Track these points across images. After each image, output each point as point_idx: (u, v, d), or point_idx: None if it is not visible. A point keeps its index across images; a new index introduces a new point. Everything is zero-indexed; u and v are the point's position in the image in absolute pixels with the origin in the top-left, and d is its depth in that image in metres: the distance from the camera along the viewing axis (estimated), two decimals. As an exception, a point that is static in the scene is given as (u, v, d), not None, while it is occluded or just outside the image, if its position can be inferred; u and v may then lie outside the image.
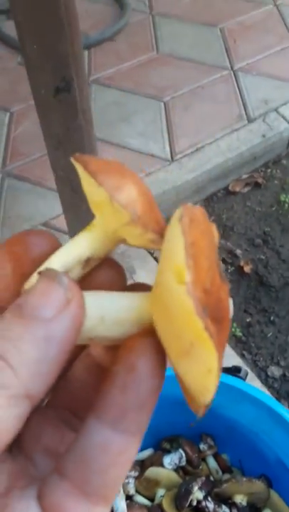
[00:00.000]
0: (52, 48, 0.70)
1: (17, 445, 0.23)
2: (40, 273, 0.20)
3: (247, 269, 1.26)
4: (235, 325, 1.18)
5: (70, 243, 0.22)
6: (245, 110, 1.49)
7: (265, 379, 1.11)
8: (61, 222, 1.17)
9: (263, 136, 1.43)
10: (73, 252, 0.22)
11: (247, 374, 0.72)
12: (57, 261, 0.21)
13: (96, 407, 0.20)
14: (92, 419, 0.20)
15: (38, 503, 0.20)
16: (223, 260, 1.28)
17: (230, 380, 0.67)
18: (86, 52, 1.65)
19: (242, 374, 0.71)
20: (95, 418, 0.20)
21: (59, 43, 0.70)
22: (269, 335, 1.17)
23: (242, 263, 1.27)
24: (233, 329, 1.17)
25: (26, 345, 0.18)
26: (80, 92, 0.77)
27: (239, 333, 1.16)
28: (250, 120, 1.47)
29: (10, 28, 1.73)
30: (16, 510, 0.20)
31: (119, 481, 0.20)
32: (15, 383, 0.17)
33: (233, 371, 0.71)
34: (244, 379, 0.70)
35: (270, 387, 1.09)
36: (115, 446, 0.19)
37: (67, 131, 0.79)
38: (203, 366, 0.19)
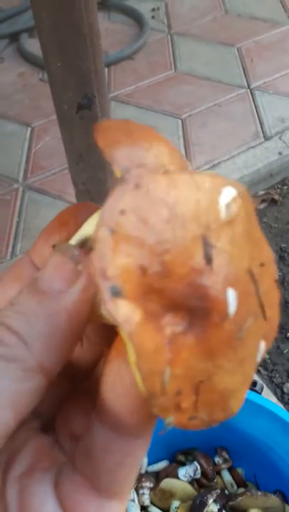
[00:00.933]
0: (75, 66, 0.73)
1: (50, 426, 0.23)
2: (53, 247, 0.20)
3: (263, 284, 1.26)
4: (250, 340, 1.17)
5: (96, 215, 0.20)
6: (261, 128, 1.51)
7: (281, 395, 1.10)
8: (79, 236, 1.19)
9: (280, 153, 1.44)
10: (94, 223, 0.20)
11: (262, 388, 0.73)
12: (78, 234, 0.20)
13: (98, 409, 0.19)
14: (95, 420, 0.19)
15: (53, 490, 0.20)
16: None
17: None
18: (106, 70, 1.69)
19: (257, 388, 0.71)
20: (98, 420, 0.19)
21: (82, 60, 0.72)
22: (285, 351, 1.16)
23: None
24: (249, 344, 1.17)
25: (39, 320, 0.18)
26: (102, 109, 0.79)
27: (254, 349, 1.16)
28: (266, 138, 1.48)
29: (32, 46, 1.78)
30: (34, 494, 0.20)
31: (130, 478, 0.20)
32: (28, 357, 0.18)
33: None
34: (260, 393, 0.70)
35: (286, 403, 1.08)
36: (118, 448, 0.19)
37: (88, 146, 0.82)
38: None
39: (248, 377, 0.19)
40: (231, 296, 0.17)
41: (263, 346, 0.19)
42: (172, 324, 0.17)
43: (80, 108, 0.78)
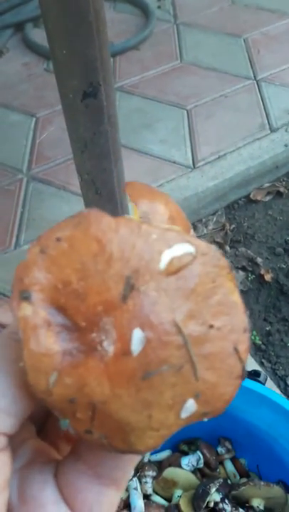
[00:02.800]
0: (80, 53, 0.72)
1: (42, 433, 0.24)
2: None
3: (267, 277, 1.26)
4: (255, 333, 1.17)
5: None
6: (267, 120, 1.50)
7: (285, 388, 1.10)
8: (83, 226, 1.19)
9: (286, 145, 1.43)
10: None
11: (266, 378, 0.72)
12: None
13: None
14: None
15: (53, 479, 0.21)
16: (244, 268, 1.28)
17: (250, 383, 0.67)
18: (111, 60, 1.68)
19: (261, 378, 0.71)
20: None
21: (88, 48, 0.72)
22: None
23: (262, 271, 1.27)
24: (253, 337, 1.17)
25: None
26: (107, 98, 0.78)
27: (258, 342, 1.16)
28: (272, 130, 1.47)
29: (37, 36, 1.77)
30: (34, 482, 0.21)
31: (130, 466, 0.22)
32: None
33: (253, 375, 0.71)
34: (263, 383, 0.70)
35: None
36: None
37: (93, 135, 0.81)
38: None
39: (157, 424, 0.19)
40: (137, 336, 0.19)
41: (192, 406, 0.19)
42: (73, 340, 0.19)
43: (85, 96, 0.77)
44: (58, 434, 0.24)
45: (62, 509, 0.21)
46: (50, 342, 0.19)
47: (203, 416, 0.20)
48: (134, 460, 0.22)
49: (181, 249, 0.19)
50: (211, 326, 0.19)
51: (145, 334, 0.19)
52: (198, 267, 0.20)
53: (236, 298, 0.20)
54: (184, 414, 0.19)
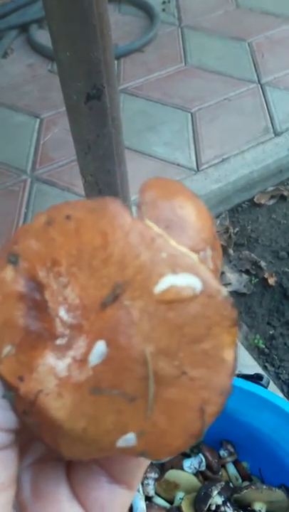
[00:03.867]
0: (84, 56, 0.72)
1: None
2: None
3: (271, 281, 1.26)
4: (258, 337, 1.17)
5: None
6: (272, 123, 1.50)
7: (288, 392, 1.10)
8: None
9: (290, 148, 1.43)
10: None
11: (269, 382, 0.72)
12: None
13: None
14: None
15: (66, 477, 0.21)
16: (247, 271, 1.28)
17: (252, 387, 0.67)
18: (115, 63, 1.68)
19: (264, 382, 0.71)
20: None
21: (91, 50, 0.72)
22: (292, 347, 1.16)
23: (266, 275, 1.26)
24: (256, 341, 1.16)
25: None
26: (111, 100, 0.79)
27: (262, 345, 1.16)
28: (276, 134, 1.47)
29: (41, 37, 1.78)
30: (48, 478, 0.21)
31: (140, 469, 0.22)
32: None
33: (255, 378, 0.70)
34: (266, 387, 0.69)
35: (291, 399, 1.08)
36: None
37: (96, 137, 0.81)
38: None
39: (89, 441, 0.18)
40: (98, 349, 0.17)
41: (131, 440, 0.18)
42: (39, 320, 0.18)
43: (88, 98, 0.77)
44: None
45: (76, 506, 0.21)
46: (17, 314, 0.18)
47: (140, 454, 0.18)
48: (142, 466, 0.22)
49: (186, 280, 0.17)
50: (184, 373, 0.18)
51: (108, 351, 0.17)
52: (196, 306, 0.17)
53: (228, 356, 0.18)
54: (120, 444, 0.18)
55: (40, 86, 1.63)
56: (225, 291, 0.18)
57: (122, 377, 0.17)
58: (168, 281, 0.17)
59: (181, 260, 0.17)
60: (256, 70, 1.68)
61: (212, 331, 0.18)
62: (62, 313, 0.18)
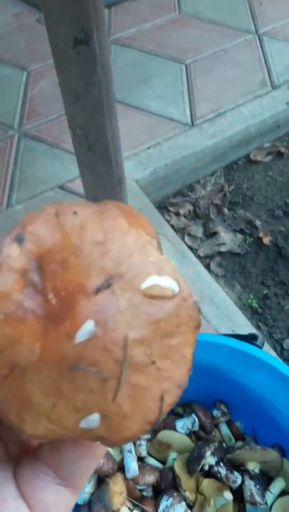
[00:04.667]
0: (72, -4, 0.67)
1: None
2: None
3: (266, 240, 1.23)
4: (252, 296, 1.16)
5: None
6: (269, 76, 1.44)
7: (281, 351, 1.09)
8: (77, 185, 1.15)
9: (288, 103, 1.38)
10: None
11: (264, 343, 0.71)
12: None
13: None
14: None
15: (13, 477, 0.22)
16: (242, 231, 1.25)
17: (247, 347, 0.65)
18: (106, 11, 1.60)
19: (259, 342, 0.69)
20: None
21: (79, -10, 0.66)
22: (286, 307, 1.14)
23: (261, 234, 1.24)
24: (250, 300, 1.15)
25: None
26: (100, 46, 0.73)
27: (255, 305, 1.14)
28: (274, 87, 1.41)
29: (28, -15, 1.68)
30: None
31: (88, 471, 0.22)
32: None
33: (250, 338, 0.69)
34: (261, 347, 0.68)
35: (285, 359, 1.07)
36: (85, 442, 0.21)
37: (85, 86, 0.76)
38: None
39: (56, 418, 0.19)
40: (87, 327, 0.19)
41: (94, 421, 0.19)
42: (34, 300, 0.19)
43: (76, 43, 0.72)
44: (10, 438, 0.24)
45: (21, 506, 0.21)
46: (14, 288, 0.19)
47: (98, 438, 0.20)
48: (91, 467, 0.22)
49: (168, 282, 0.20)
50: (153, 362, 0.19)
51: (95, 330, 0.19)
52: (172, 305, 0.20)
53: (188, 354, 0.20)
54: (83, 424, 0.19)
55: (28, 37, 1.55)
56: (194, 296, 0.21)
57: (101, 357, 0.19)
58: (153, 280, 0.20)
59: (165, 265, 0.20)
60: (254, 20, 1.60)
61: (180, 329, 0.20)
62: (57, 294, 0.19)
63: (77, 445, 0.22)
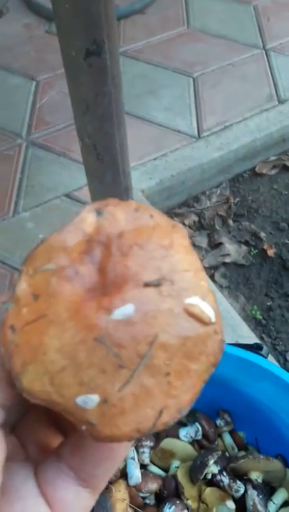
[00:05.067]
0: (84, 8, 0.68)
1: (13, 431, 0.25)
2: None
3: (270, 252, 1.24)
4: (256, 308, 1.16)
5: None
6: (276, 90, 1.45)
7: (284, 363, 1.09)
8: (84, 194, 1.16)
9: (293, 117, 1.39)
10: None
11: (269, 353, 0.71)
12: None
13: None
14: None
15: (34, 475, 0.22)
16: (246, 242, 1.26)
17: (251, 356, 0.65)
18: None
19: (264, 352, 0.69)
20: None
21: (92, 3, 0.68)
22: (289, 319, 1.14)
23: (265, 246, 1.24)
24: (254, 312, 1.15)
25: None
26: (111, 57, 0.75)
27: (259, 317, 1.14)
28: (280, 101, 1.43)
29: (39, -3, 1.71)
30: (16, 475, 0.22)
31: (108, 473, 0.23)
32: None
33: (255, 348, 0.69)
34: (266, 357, 0.68)
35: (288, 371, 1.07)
36: (107, 444, 0.22)
37: (95, 96, 0.77)
38: None
39: (57, 382, 0.19)
40: (127, 308, 0.19)
41: (92, 403, 0.19)
42: (89, 269, 0.20)
43: (88, 54, 0.73)
44: (28, 438, 0.24)
45: (41, 504, 0.21)
46: (76, 248, 0.20)
47: (85, 423, 0.19)
48: (112, 470, 0.23)
49: (208, 309, 0.20)
50: (168, 374, 0.19)
51: (133, 315, 0.19)
52: (204, 331, 0.20)
53: (198, 385, 0.20)
54: (79, 401, 0.19)
55: (37, 47, 1.57)
56: (223, 336, 0.21)
57: (127, 343, 0.19)
58: (197, 301, 0.20)
59: (210, 294, 0.21)
60: (261, 35, 1.62)
61: (201, 358, 0.20)
62: (111, 272, 0.20)
63: (99, 448, 0.22)
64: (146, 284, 0.20)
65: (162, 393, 0.19)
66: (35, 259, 0.21)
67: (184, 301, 0.20)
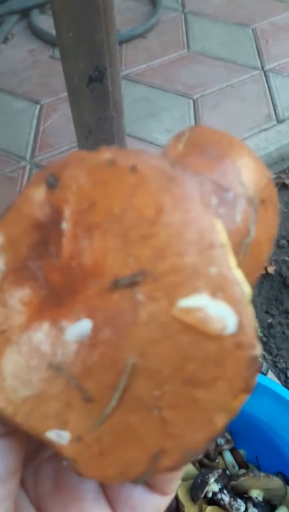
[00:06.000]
0: (87, 37, 0.71)
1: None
2: None
3: (270, 269, 1.25)
4: (256, 325, 1.17)
5: None
6: (274, 110, 1.48)
7: (285, 380, 1.10)
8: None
9: (292, 137, 1.42)
10: None
11: (268, 370, 0.72)
12: None
13: None
14: None
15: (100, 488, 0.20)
16: (246, 260, 1.27)
17: (251, 374, 0.66)
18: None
19: (263, 369, 0.70)
20: None
21: (94, 31, 0.70)
22: (290, 336, 1.15)
23: (266, 264, 1.26)
24: (254, 329, 1.16)
25: None
26: (113, 83, 0.77)
27: (260, 334, 1.15)
28: (279, 120, 1.45)
29: (43, 22, 1.75)
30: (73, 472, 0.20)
31: (177, 477, 0.20)
32: None
33: (254, 366, 0.70)
34: (265, 374, 0.69)
35: (289, 388, 1.08)
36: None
37: (98, 121, 0.80)
38: None
39: (24, 411, 0.15)
40: (83, 326, 0.14)
41: (64, 437, 0.15)
42: (38, 260, 0.15)
43: (91, 81, 0.76)
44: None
45: (102, 505, 0.19)
46: (24, 241, 0.16)
47: (66, 459, 0.16)
48: (180, 472, 0.20)
49: (221, 312, 0.14)
50: (158, 408, 0.15)
51: (90, 335, 0.14)
52: (215, 348, 0.14)
53: (219, 421, 0.15)
54: (52, 435, 0.15)
55: (41, 72, 1.61)
56: (259, 349, 0.14)
57: (89, 372, 0.14)
58: (199, 302, 0.14)
59: (230, 287, 0.14)
60: (260, 57, 1.66)
61: (217, 384, 0.14)
62: (68, 267, 0.15)
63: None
64: (114, 285, 0.14)
65: (155, 432, 0.15)
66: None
67: (177, 303, 0.14)
